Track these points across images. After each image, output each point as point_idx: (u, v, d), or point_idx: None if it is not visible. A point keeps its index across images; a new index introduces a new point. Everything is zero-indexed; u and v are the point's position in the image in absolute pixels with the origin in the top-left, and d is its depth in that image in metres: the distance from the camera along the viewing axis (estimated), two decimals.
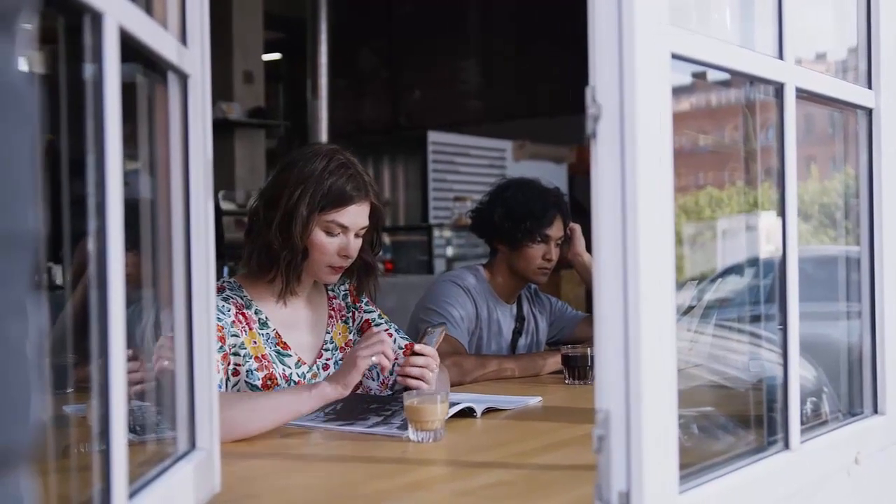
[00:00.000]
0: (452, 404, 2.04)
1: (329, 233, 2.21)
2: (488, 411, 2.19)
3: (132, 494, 1.10)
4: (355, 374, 1.99)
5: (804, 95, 1.59)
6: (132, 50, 1.12)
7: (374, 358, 2.00)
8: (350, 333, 2.41)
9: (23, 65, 0.58)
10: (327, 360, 2.34)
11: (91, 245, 1.02)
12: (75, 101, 1.04)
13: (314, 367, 2.30)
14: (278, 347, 2.24)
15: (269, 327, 2.24)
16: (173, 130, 1.36)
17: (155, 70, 1.31)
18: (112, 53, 1.02)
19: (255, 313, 2.24)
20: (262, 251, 2.22)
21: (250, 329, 2.20)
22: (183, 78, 1.35)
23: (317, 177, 2.18)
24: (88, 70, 1.03)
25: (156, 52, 1.21)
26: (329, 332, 2.36)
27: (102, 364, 1.02)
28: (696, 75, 1.47)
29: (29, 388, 0.58)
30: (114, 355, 1.02)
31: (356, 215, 2.23)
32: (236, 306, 2.19)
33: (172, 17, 1.34)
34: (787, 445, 1.52)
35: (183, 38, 1.36)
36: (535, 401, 2.37)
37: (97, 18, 1.00)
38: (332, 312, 2.40)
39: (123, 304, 1.04)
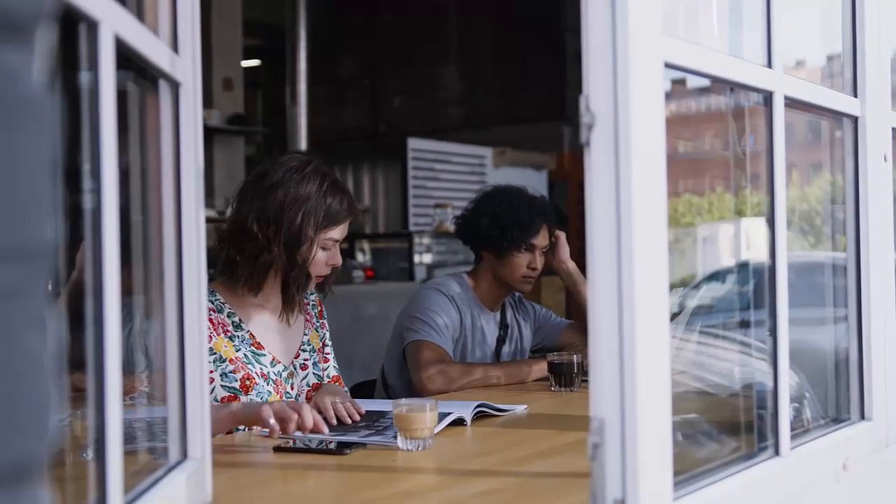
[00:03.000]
0: (442, 414, 2.05)
1: (324, 248, 2.31)
2: (479, 416, 2.20)
3: None
4: (257, 419, 1.97)
5: (791, 103, 1.60)
6: (124, 57, 1.12)
7: (272, 421, 1.92)
8: (319, 341, 2.49)
9: (41, 75, 0.58)
10: (305, 360, 2.42)
11: (87, 253, 1.01)
12: (69, 108, 1.04)
13: (291, 367, 2.37)
14: (252, 348, 2.29)
15: (243, 329, 2.30)
16: (164, 138, 1.35)
17: (146, 78, 1.31)
18: (108, 61, 1.01)
19: (228, 316, 2.29)
20: (263, 270, 2.27)
21: (218, 334, 2.25)
22: (175, 86, 1.35)
23: (315, 198, 2.26)
24: (83, 77, 1.02)
25: (149, 60, 1.21)
26: (307, 334, 2.44)
27: (97, 374, 1.01)
28: (675, 82, 1.47)
29: (49, 399, 0.58)
30: (109, 365, 1.01)
31: (346, 229, 2.35)
32: None
33: (164, 24, 1.34)
34: (777, 452, 1.52)
35: (175, 46, 1.35)
36: (521, 409, 2.37)
37: (93, 27, 0.99)
38: (308, 316, 2.48)
39: (119, 313, 1.03)
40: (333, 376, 2.47)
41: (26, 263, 0.56)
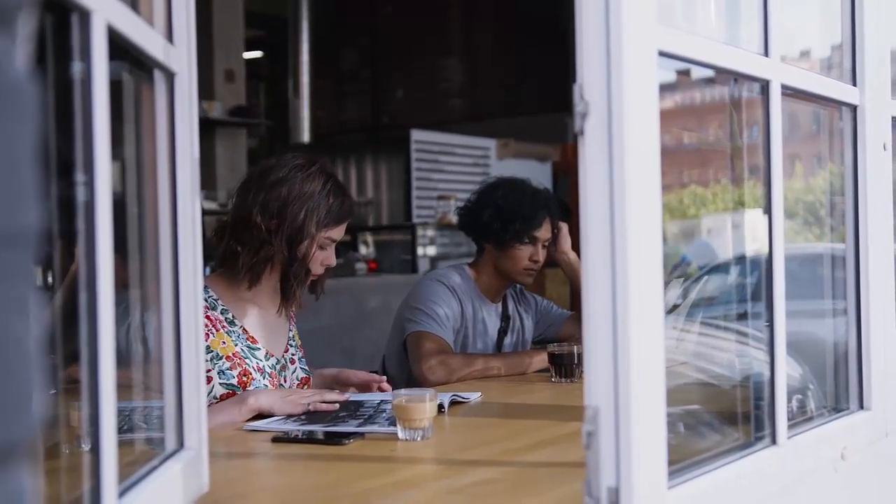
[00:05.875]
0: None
1: (321, 247, 2.34)
2: (453, 404, 2.24)
3: (121, 493, 1.10)
4: (284, 408, 2.13)
5: (789, 92, 1.60)
6: (118, 48, 1.12)
7: (310, 407, 2.14)
8: (299, 338, 2.55)
9: (23, 63, 0.58)
10: (292, 355, 2.47)
11: (80, 246, 1.01)
12: (61, 99, 1.04)
13: (282, 360, 2.41)
14: (248, 342, 2.33)
15: (236, 325, 2.33)
16: (160, 129, 1.35)
17: (141, 68, 1.30)
18: (100, 51, 1.01)
19: (222, 313, 2.32)
20: (263, 262, 2.30)
21: (217, 330, 2.28)
22: (170, 76, 1.35)
23: (318, 197, 2.30)
24: (76, 68, 1.02)
25: (143, 50, 1.20)
26: (291, 331, 2.50)
27: (91, 364, 1.01)
28: (680, 72, 1.47)
29: (32, 384, 0.58)
30: (103, 355, 1.02)
31: (343, 230, 2.40)
32: None
33: (158, 14, 1.34)
34: (774, 441, 1.52)
35: (169, 36, 1.35)
36: (475, 396, 2.40)
37: (85, 16, 0.99)
38: (291, 314, 2.52)
39: (112, 304, 1.03)
40: (302, 378, 2.49)
41: (9, 249, 0.56)
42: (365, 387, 2.44)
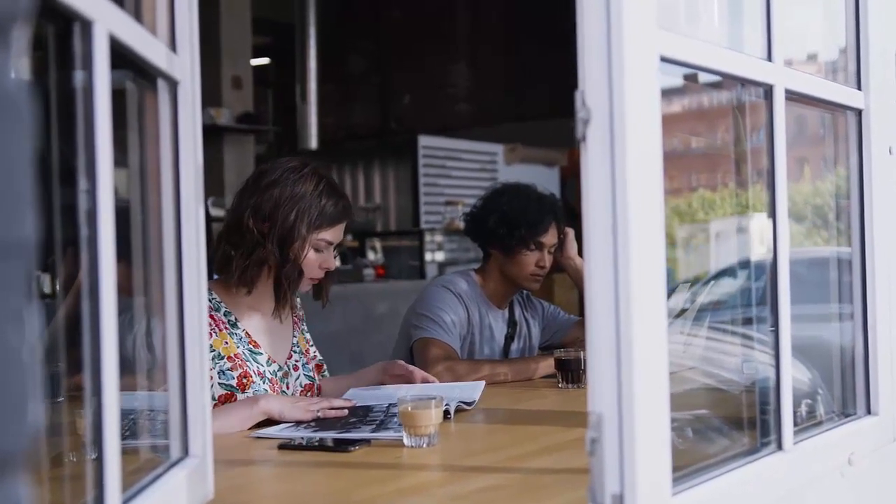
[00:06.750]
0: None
1: (317, 249, 2.34)
2: (458, 410, 2.24)
3: (125, 501, 1.10)
4: (293, 414, 2.12)
5: (793, 97, 1.60)
6: (121, 57, 1.12)
7: (319, 413, 2.14)
8: (307, 343, 2.54)
9: (18, 72, 0.58)
10: (296, 361, 2.47)
11: (83, 253, 1.01)
12: (64, 108, 1.04)
13: (285, 367, 2.41)
14: (250, 346, 2.33)
15: (239, 328, 2.33)
16: (163, 137, 1.36)
17: (144, 77, 1.31)
18: (102, 61, 1.02)
19: (225, 315, 2.33)
20: (256, 265, 2.30)
21: (220, 331, 2.29)
22: (173, 84, 1.35)
23: (310, 198, 2.30)
24: (78, 77, 1.02)
25: (145, 59, 1.21)
26: (295, 337, 2.49)
27: (94, 372, 1.02)
28: (687, 77, 1.47)
29: (27, 394, 0.58)
30: (106, 363, 1.02)
31: (341, 232, 2.39)
32: None
33: (161, 23, 1.34)
34: (780, 446, 1.52)
35: (172, 45, 1.35)
36: (479, 386, 2.43)
37: (87, 26, 1.00)
38: (296, 320, 2.52)
39: (115, 312, 1.03)
40: (306, 384, 2.49)
41: (6, 259, 0.56)
42: (408, 378, 2.48)
